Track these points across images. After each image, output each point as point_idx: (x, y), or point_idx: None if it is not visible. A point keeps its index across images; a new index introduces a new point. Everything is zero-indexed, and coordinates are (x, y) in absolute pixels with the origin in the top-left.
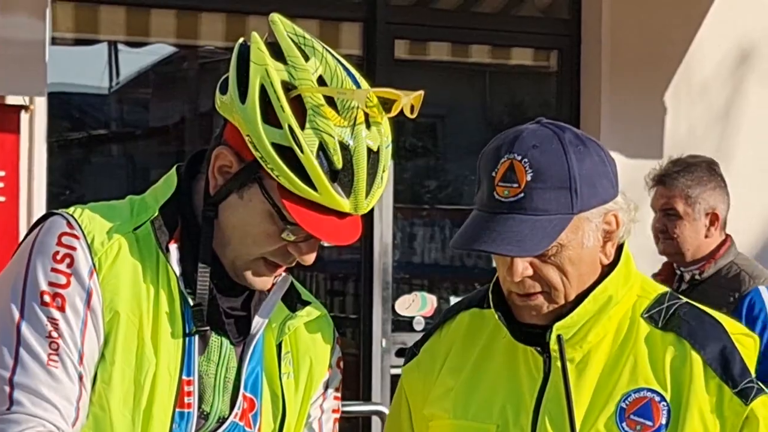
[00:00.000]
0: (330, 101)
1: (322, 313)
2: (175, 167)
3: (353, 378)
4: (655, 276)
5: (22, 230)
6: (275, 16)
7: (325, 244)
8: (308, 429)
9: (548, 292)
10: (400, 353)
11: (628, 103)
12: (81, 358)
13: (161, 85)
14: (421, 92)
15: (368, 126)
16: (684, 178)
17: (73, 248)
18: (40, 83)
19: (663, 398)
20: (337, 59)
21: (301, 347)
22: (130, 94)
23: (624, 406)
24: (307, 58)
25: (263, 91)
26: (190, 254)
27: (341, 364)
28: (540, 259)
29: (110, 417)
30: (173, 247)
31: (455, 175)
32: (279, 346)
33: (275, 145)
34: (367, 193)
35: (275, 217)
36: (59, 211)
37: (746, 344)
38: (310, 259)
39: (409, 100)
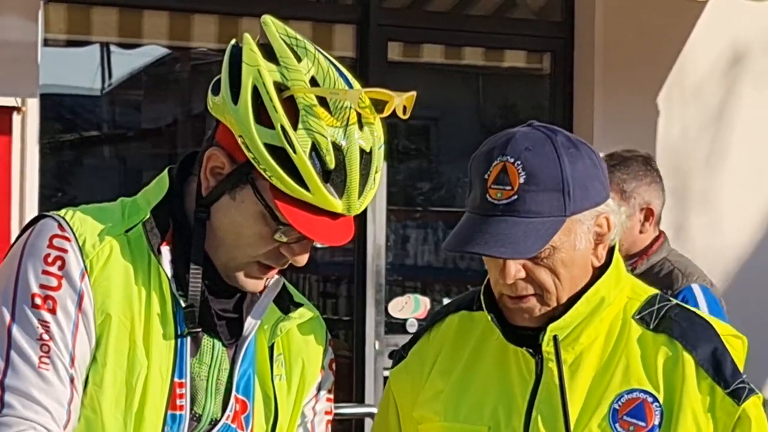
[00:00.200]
0: (322, 102)
1: (314, 314)
2: (167, 169)
3: (346, 380)
4: None
5: (14, 232)
6: (267, 18)
7: (318, 245)
8: (301, 431)
9: (540, 295)
10: (393, 355)
11: (621, 105)
12: (72, 360)
13: (154, 87)
14: (414, 93)
15: (361, 127)
16: (620, 173)
17: (65, 250)
18: (32, 85)
19: (656, 399)
20: (330, 60)
21: (294, 349)
22: (122, 95)
23: (617, 407)
24: (299, 59)
25: (255, 91)
26: (181, 256)
27: (334, 365)
28: (532, 261)
29: (102, 419)
30: (165, 249)
31: (448, 177)
32: (271, 348)
33: (268, 146)
34: (360, 194)
35: (268, 218)
36: (50, 213)
37: (735, 345)
38: (302, 260)
39: (401, 101)
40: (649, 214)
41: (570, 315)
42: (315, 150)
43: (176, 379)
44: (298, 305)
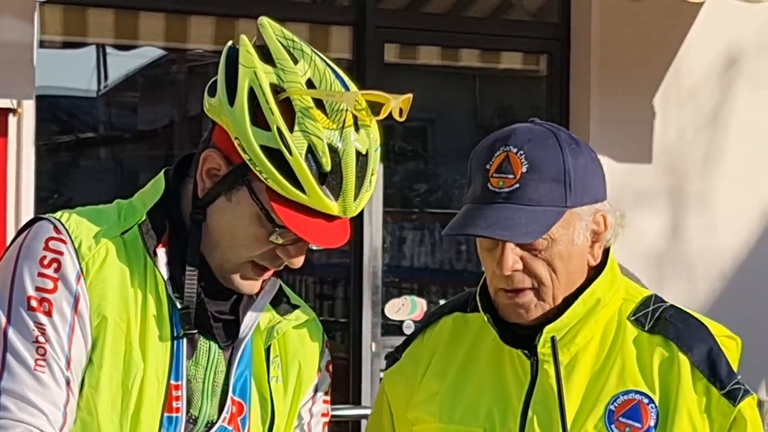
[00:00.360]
0: (319, 104)
1: (310, 316)
2: (163, 171)
3: (343, 382)
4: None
5: (10, 234)
6: (264, 20)
7: (314, 248)
8: None
9: (536, 289)
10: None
11: (618, 106)
12: (68, 362)
13: (150, 89)
14: (410, 95)
15: (357, 129)
16: None
17: (60, 253)
18: (28, 86)
19: (651, 400)
20: (326, 62)
21: (290, 351)
22: (118, 97)
23: (613, 408)
24: (295, 61)
25: (252, 93)
26: (178, 258)
27: (330, 367)
28: (530, 253)
29: (98, 422)
30: (161, 251)
31: (445, 179)
32: (267, 350)
33: (264, 148)
34: (356, 196)
35: (263, 220)
36: (46, 215)
37: (729, 346)
38: (298, 262)
39: (397, 103)
40: None
41: (567, 316)
42: (311, 152)
43: (172, 382)
44: (295, 307)
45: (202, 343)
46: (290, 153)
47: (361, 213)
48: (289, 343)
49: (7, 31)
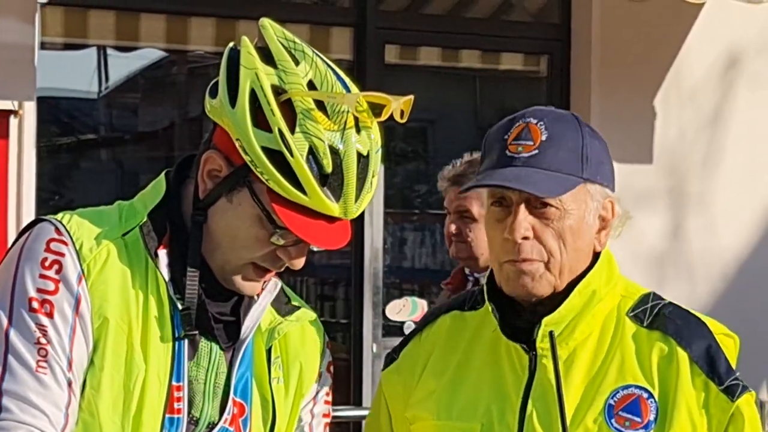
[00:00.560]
0: (320, 105)
1: (311, 317)
2: (164, 172)
3: (344, 383)
4: (446, 285)
5: (11, 235)
6: (265, 21)
7: (315, 249)
8: None
9: (545, 262)
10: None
11: (618, 107)
12: (70, 364)
13: (151, 90)
14: (411, 97)
15: (358, 130)
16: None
17: (62, 254)
18: (29, 88)
19: (651, 395)
20: (327, 64)
21: (291, 352)
22: (119, 98)
23: (612, 402)
24: (297, 63)
25: (253, 95)
26: (179, 259)
27: (331, 368)
28: (542, 221)
29: (99, 423)
30: (162, 253)
31: None
32: (269, 351)
33: (265, 149)
34: (357, 198)
35: (264, 221)
36: (47, 217)
37: (727, 344)
38: (299, 263)
39: (398, 105)
40: None
41: (564, 307)
42: (312, 153)
43: (174, 383)
44: (296, 308)
45: (204, 344)
46: (291, 154)
47: (362, 214)
48: (290, 344)
49: (8, 33)
